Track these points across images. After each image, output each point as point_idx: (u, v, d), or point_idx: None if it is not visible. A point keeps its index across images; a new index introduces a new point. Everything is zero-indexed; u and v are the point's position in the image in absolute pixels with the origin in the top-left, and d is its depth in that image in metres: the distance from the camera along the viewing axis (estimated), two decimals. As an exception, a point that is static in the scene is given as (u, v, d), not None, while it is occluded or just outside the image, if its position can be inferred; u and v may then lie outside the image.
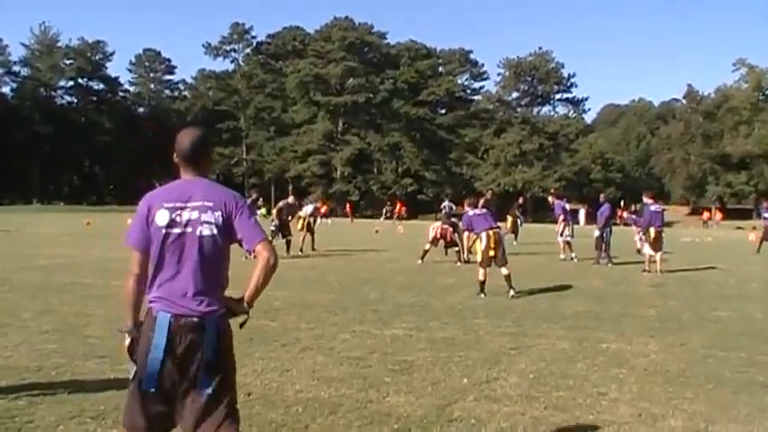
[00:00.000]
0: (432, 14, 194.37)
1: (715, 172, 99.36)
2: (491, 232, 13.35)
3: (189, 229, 3.69)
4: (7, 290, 12.81)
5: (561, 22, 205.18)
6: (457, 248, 20.38)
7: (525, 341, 8.92)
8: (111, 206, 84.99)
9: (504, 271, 13.26)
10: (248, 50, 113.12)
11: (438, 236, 20.49)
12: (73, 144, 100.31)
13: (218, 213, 3.74)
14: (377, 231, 39.96)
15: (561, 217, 23.05)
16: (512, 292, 13.03)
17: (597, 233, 21.34)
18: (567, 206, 24.45)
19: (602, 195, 23.72)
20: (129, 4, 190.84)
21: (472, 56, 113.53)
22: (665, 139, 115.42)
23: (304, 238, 23.35)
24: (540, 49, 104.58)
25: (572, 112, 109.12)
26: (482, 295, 12.98)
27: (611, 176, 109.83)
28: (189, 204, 3.79)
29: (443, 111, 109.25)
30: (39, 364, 7.17)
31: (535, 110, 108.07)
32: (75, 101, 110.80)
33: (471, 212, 13.94)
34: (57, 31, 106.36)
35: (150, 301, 3.70)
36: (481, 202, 16.73)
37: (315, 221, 24.84)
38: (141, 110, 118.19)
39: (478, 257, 13.48)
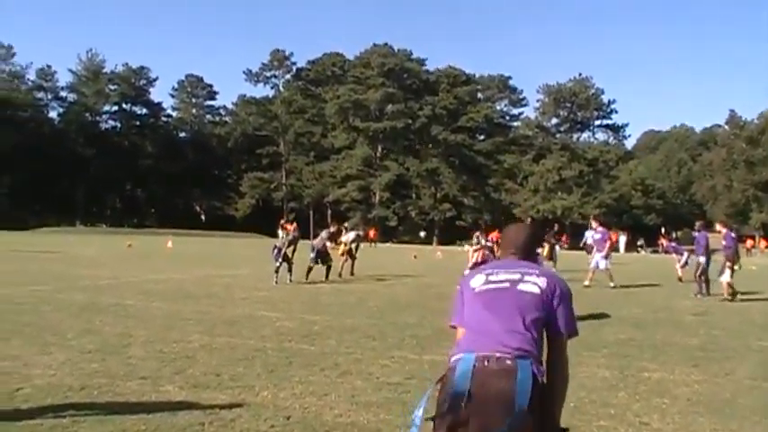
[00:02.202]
0: (470, 41, 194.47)
1: (758, 199, 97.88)
2: None
3: (506, 285, 3.41)
4: (51, 309, 12.97)
5: (601, 47, 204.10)
6: None
7: (566, 369, 8.82)
8: (152, 228, 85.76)
9: None
10: (288, 76, 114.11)
11: (479, 261, 20.34)
12: (116, 167, 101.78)
13: (544, 280, 3.40)
14: (414, 257, 39.91)
15: (608, 244, 22.87)
16: None
17: (702, 261, 20.16)
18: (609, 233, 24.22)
19: (697, 223, 22.13)
20: (172, 31, 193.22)
21: (511, 82, 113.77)
22: (707, 165, 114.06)
23: (344, 263, 23.39)
24: (579, 74, 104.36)
25: (612, 138, 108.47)
26: None
27: (651, 203, 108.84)
28: (511, 269, 3.51)
29: (482, 137, 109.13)
30: (82, 383, 7.24)
31: (575, 136, 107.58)
32: (119, 125, 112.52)
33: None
34: (102, 58, 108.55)
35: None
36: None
37: (357, 248, 24.81)
38: (183, 134, 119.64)
39: None
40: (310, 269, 21.37)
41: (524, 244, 3.78)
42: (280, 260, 20.29)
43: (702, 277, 19.88)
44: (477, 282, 3.52)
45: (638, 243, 78.02)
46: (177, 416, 6.15)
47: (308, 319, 12.47)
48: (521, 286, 3.38)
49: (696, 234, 20.87)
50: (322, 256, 21.84)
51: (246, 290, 17.94)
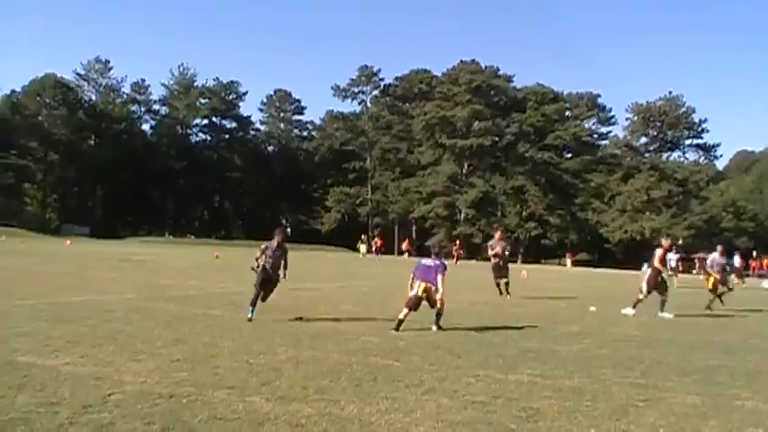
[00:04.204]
0: (559, 58, 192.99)
1: None
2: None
3: None
4: (142, 318, 13.29)
5: (693, 65, 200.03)
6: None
7: (654, 393, 8.64)
8: (239, 240, 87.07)
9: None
10: (376, 92, 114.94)
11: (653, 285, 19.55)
12: (205, 180, 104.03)
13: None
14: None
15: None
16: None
17: None
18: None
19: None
20: (262, 47, 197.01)
21: (600, 100, 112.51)
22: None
23: None
24: (670, 93, 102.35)
25: (703, 158, 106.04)
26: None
27: (742, 225, 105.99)
28: None
29: (569, 155, 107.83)
30: (170, 391, 7.39)
31: (664, 155, 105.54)
32: (209, 138, 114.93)
33: None
34: (194, 72, 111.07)
35: None
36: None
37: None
38: (271, 148, 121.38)
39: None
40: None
41: None
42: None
43: None
44: None
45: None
46: (264, 427, 6.23)
47: (394, 335, 12.49)
48: None
49: None
50: None
51: (332, 303, 18.08)
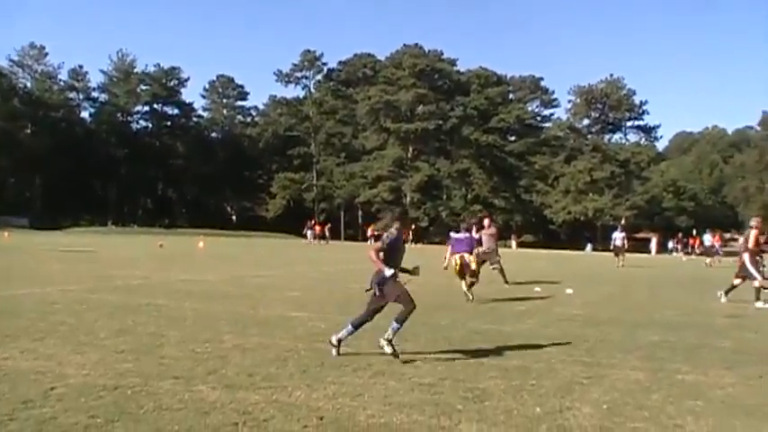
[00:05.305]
0: (502, 41, 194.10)
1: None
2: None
3: None
4: (85, 309, 13.10)
5: (633, 48, 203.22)
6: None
7: (599, 371, 8.78)
8: (184, 229, 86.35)
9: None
10: (319, 77, 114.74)
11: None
12: (147, 168, 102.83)
13: None
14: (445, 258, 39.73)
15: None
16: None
17: None
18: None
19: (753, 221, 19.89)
20: (203, 32, 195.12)
21: (543, 83, 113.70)
22: (739, 167, 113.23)
23: None
24: (611, 75, 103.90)
25: (644, 139, 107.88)
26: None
27: (683, 205, 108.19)
28: None
29: (513, 138, 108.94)
30: (115, 382, 7.29)
31: (606, 137, 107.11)
32: (150, 125, 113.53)
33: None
34: (134, 58, 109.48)
35: None
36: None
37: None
38: (214, 135, 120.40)
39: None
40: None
41: None
42: None
43: None
44: None
45: (670, 245, 77.45)
46: (210, 416, 6.18)
47: (341, 320, 12.44)
48: None
49: None
50: None
51: (279, 290, 18.01)
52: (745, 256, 17.84)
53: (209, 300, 14.65)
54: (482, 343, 10.62)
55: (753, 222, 18.69)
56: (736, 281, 18.07)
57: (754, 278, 17.61)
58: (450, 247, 16.94)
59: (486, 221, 22.01)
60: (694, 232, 67.32)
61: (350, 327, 9.23)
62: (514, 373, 8.41)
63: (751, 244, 17.82)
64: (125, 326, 11.19)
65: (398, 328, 9.07)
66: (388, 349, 8.90)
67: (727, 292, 18.04)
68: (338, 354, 9.05)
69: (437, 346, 10.25)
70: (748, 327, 13.65)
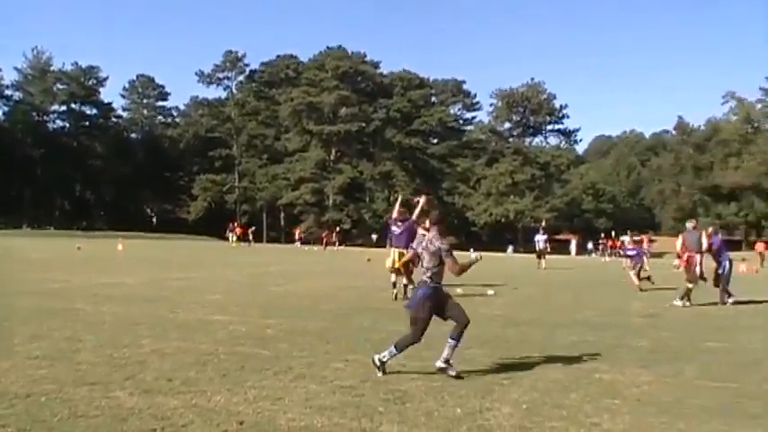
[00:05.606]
0: (425, 44, 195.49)
1: (705, 203, 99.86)
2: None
3: None
4: (-3, 315, 12.72)
5: (554, 53, 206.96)
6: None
7: (518, 371, 8.87)
8: (102, 231, 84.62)
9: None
10: (241, 78, 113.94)
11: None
12: (64, 168, 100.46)
13: None
14: (368, 260, 39.86)
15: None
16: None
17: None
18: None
19: (710, 228, 20.31)
20: (123, 31, 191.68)
21: (465, 86, 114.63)
22: (656, 170, 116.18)
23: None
24: (532, 80, 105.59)
25: (563, 142, 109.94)
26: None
27: (602, 207, 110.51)
28: None
29: (436, 140, 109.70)
30: (28, 390, 7.09)
31: (527, 140, 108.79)
32: (68, 125, 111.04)
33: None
34: (50, 56, 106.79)
35: None
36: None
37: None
38: (134, 135, 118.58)
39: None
40: None
41: None
42: None
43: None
44: None
45: (589, 246, 78.91)
46: (128, 422, 6.06)
47: (262, 323, 12.38)
48: None
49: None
50: None
51: (200, 293, 17.77)
52: (698, 258, 18.23)
53: (127, 303, 14.40)
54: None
55: (689, 225, 19.29)
56: (690, 284, 18.24)
57: (699, 280, 18.33)
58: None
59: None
60: (613, 234, 68.65)
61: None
62: (435, 375, 8.45)
63: (704, 247, 18.38)
64: (39, 331, 10.88)
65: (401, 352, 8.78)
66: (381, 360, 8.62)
67: (682, 297, 18.19)
68: (457, 376, 8.44)
69: (358, 348, 10.22)
70: (664, 326, 13.98)
